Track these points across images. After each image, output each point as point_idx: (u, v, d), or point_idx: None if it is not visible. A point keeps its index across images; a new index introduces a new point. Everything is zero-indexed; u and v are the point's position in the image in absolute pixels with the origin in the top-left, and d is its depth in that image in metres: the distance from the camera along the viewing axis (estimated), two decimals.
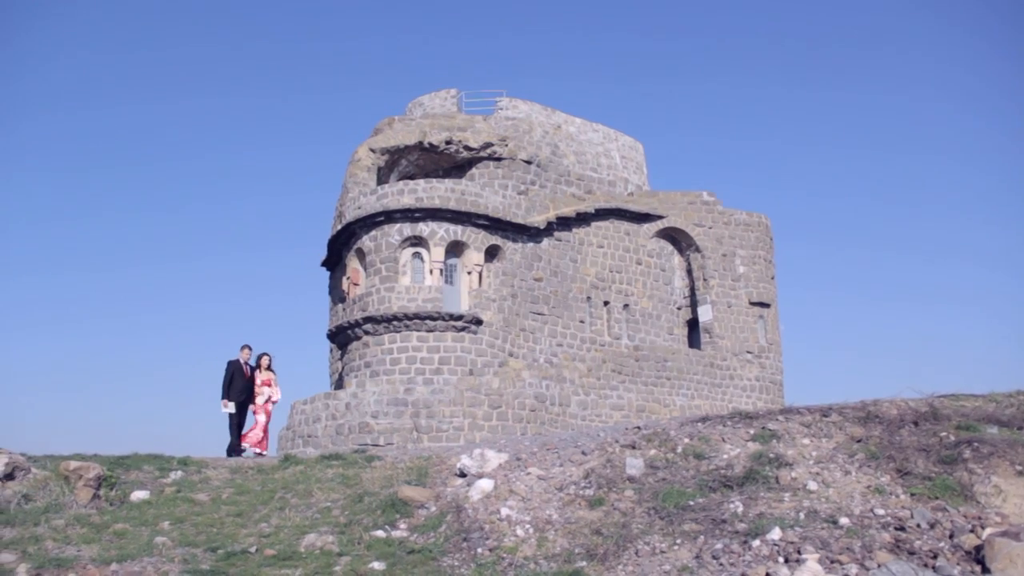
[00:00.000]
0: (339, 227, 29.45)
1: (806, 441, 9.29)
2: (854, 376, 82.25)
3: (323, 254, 31.82)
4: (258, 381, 18.35)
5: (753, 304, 32.46)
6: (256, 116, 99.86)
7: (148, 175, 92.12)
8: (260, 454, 17.88)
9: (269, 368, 18.62)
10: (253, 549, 8.15)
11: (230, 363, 18.13)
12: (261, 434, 18.32)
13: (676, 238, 32.78)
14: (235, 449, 17.74)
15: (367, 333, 27.16)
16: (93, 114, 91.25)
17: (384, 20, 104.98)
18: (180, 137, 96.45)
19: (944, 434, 9.10)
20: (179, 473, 11.41)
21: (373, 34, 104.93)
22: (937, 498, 7.97)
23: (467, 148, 30.11)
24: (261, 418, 18.31)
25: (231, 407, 17.74)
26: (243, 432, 18.21)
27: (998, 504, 7.77)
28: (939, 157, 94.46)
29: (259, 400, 18.28)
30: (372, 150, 30.75)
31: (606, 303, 30.84)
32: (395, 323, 26.50)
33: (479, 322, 26.81)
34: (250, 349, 18.50)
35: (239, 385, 17.98)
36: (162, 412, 79.32)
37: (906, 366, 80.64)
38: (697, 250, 32.26)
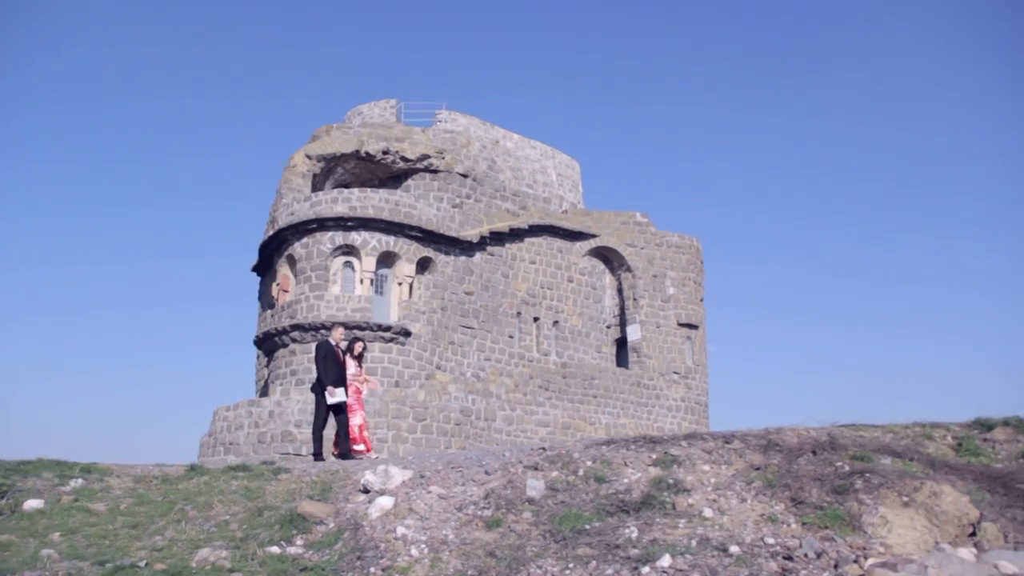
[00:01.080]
0: (271, 232, 29.21)
1: (706, 467, 9.39)
2: (787, 398, 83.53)
3: (255, 259, 31.52)
4: (351, 369, 15.38)
5: (681, 325, 32.86)
6: (192, 120, 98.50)
7: (75, 177, 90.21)
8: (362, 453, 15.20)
9: (361, 356, 15.76)
10: (143, 563, 8.00)
11: (320, 345, 15.34)
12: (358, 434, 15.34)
13: (608, 257, 33.06)
14: (320, 452, 15.14)
15: (294, 341, 26.96)
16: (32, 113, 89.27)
17: (326, 29, 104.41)
18: (115, 141, 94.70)
19: (840, 464, 9.27)
20: (80, 481, 11.14)
21: (314, 43, 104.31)
22: (827, 528, 8.10)
23: (404, 159, 30.09)
24: (357, 419, 15.33)
25: (340, 394, 14.85)
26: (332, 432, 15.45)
27: (883, 534, 7.93)
28: (872, 177, 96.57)
29: (353, 391, 15.40)
30: (308, 157, 30.59)
31: (536, 319, 30.97)
32: (323, 331, 26.32)
33: (408, 334, 26.74)
34: (345, 328, 16.17)
35: (332, 372, 14.99)
36: (87, 417, 77.63)
37: (840, 388, 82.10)
38: (628, 270, 32.56)
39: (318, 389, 15.12)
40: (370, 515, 8.83)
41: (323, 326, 26.14)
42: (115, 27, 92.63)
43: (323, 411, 15.02)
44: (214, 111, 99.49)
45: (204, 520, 9.50)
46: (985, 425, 11.24)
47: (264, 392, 29.25)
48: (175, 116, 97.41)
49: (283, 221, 28.13)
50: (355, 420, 15.17)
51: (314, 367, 25.76)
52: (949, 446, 10.87)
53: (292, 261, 27.94)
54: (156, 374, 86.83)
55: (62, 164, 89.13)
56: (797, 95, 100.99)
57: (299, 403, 24.40)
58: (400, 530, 8.40)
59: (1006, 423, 11.18)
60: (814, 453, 9.71)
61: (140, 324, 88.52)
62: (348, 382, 15.17)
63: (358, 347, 15.60)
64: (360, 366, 15.64)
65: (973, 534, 7.83)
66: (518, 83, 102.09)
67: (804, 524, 8.21)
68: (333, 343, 15.22)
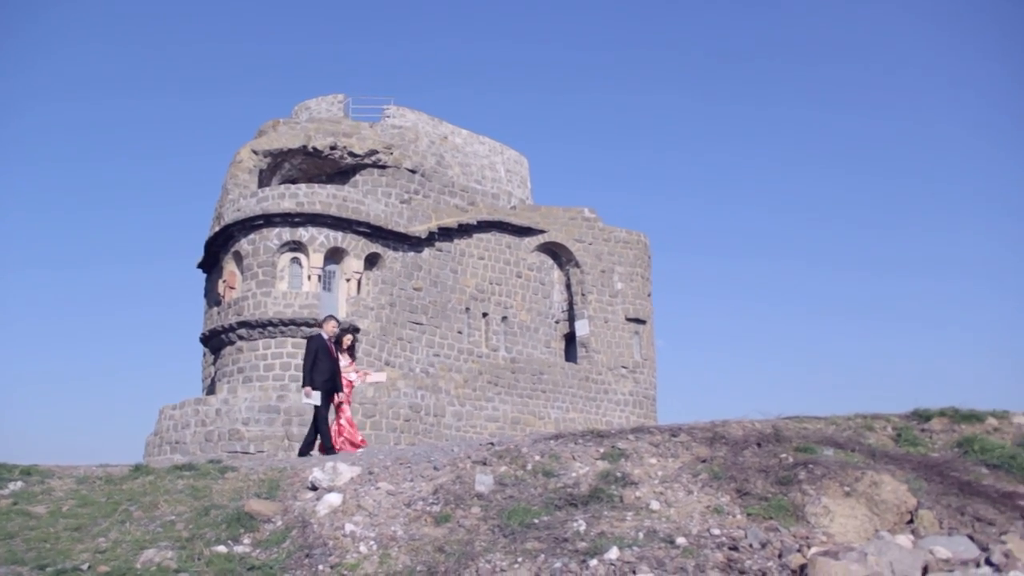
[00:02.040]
0: (217, 229, 28.89)
1: (653, 460, 9.50)
2: (733, 391, 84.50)
3: (200, 255, 31.16)
4: (342, 362, 14.69)
5: (629, 320, 33.13)
6: (135, 118, 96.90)
7: (12, 179, 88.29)
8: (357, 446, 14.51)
9: (351, 350, 15.22)
10: (85, 566, 7.88)
11: (312, 340, 14.39)
12: (351, 429, 14.83)
13: (556, 253, 33.21)
14: (328, 448, 14.06)
15: (241, 338, 26.70)
16: None
17: (271, 24, 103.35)
18: (59, 142, 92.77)
19: (784, 455, 9.43)
20: (19, 484, 10.91)
21: (259, 38, 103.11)
22: (771, 518, 8.24)
23: (352, 154, 29.91)
24: (347, 414, 14.81)
25: (315, 397, 13.94)
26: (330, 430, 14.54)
27: (826, 524, 8.09)
28: (823, 166, 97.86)
29: (345, 384, 14.77)
30: (255, 152, 30.29)
31: (485, 315, 31.02)
32: (270, 328, 26.12)
33: (356, 330, 26.60)
34: (337, 322, 15.11)
35: (324, 367, 14.04)
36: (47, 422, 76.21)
37: (786, 379, 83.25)
38: (576, 265, 32.74)
39: (329, 387, 14.23)
40: (318, 512, 8.81)
41: (270, 323, 25.93)
42: (55, 26, 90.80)
43: (318, 410, 14.20)
44: (157, 108, 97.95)
45: (149, 520, 9.39)
46: (923, 416, 11.53)
47: (211, 390, 28.94)
48: (119, 115, 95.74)
49: (229, 217, 27.83)
50: (346, 415, 14.76)
51: (247, 366, 26.00)
52: (889, 437, 11.12)
53: (238, 257, 27.66)
54: (100, 373, 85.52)
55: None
56: (750, 83, 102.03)
57: (247, 401, 24.19)
58: (348, 527, 8.39)
59: (943, 413, 11.49)
60: (759, 445, 9.87)
61: (84, 322, 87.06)
62: (343, 374, 14.64)
63: (347, 340, 15.05)
64: (352, 359, 15.17)
65: (911, 521, 8.03)
66: (467, 78, 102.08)
67: (749, 515, 8.34)
68: (326, 337, 14.34)
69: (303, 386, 14.17)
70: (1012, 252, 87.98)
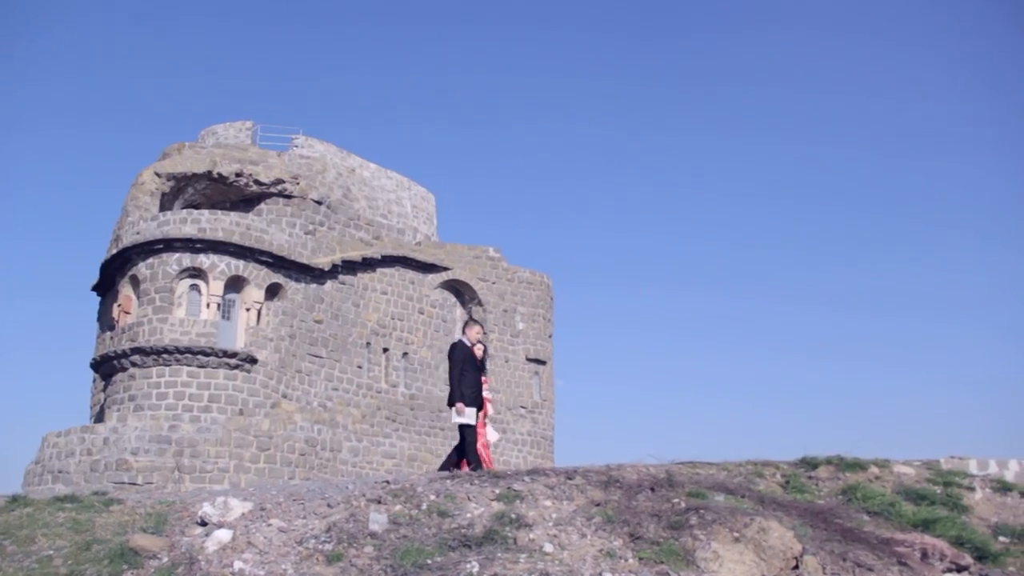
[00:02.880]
0: (115, 251, 28.17)
1: (548, 503, 9.57)
2: (631, 433, 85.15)
3: (95, 277, 30.29)
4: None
5: (530, 360, 33.33)
6: (40, 144, 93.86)
7: None
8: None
9: (482, 363, 12.65)
10: None
11: (456, 348, 12.23)
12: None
13: (460, 290, 33.29)
14: (479, 463, 11.91)
15: (134, 365, 25.97)
16: None
17: (182, 50, 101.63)
18: None
19: (676, 500, 9.60)
20: None
21: (166, 63, 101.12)
22: (662, 563, 8.37)
23: (258, 182, 29.56)
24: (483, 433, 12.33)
25: (469, 415, 11.78)
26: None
27: (715, 569, 8.26)
28: (727, 193, 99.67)
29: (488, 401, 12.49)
30: (158, 174, 29.69)
31: (385, 350, 30.83)
32: (165, 356, 25.49)
33: (254, 361, 26.16)
34: (481, 327, 12.89)
35: (471, 379, 11.97)
36: None
37: (685, 422, 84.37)
38: (479, 304, 32.88)
39: (479, 402, 12.11)
40: (207, 549, 8.59)
41: (165, 350, 25.30)
42: None
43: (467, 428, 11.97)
44: (57, 131, 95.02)
45: (24, 556, 9.02)
46: (810, 464, 11.93)
47: (99, 418, 28.01)
48: (27, 137, 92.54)
49: (128, 240, 27.18)
50: (482, 440, 12.32)
51: (139, 394, 25.34)
52: (778, 483, 11.46)
53: (135, 282, 26.98)
54: None
55: None
56: (660, 113, 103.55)
57: (137, 430, 23.50)
58: (238, 564, 8.21)
59: (829, 462, 11.91)
60: (652, 490, 10.02)
61: None
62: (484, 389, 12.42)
63: (479, 350, 12.45)
64: (483, 373, 12.70)
65: (796, 567, 8.25)
66: (377, 112, 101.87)
67: (641, 559, 8.44)
68: (469, 344, 12.23)
69: (451, 403, 11.97)
70: (882, 281, 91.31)
